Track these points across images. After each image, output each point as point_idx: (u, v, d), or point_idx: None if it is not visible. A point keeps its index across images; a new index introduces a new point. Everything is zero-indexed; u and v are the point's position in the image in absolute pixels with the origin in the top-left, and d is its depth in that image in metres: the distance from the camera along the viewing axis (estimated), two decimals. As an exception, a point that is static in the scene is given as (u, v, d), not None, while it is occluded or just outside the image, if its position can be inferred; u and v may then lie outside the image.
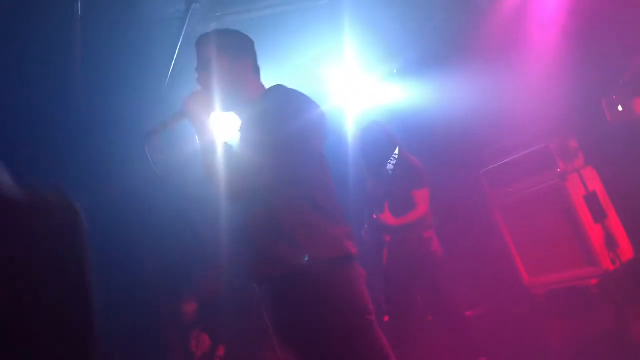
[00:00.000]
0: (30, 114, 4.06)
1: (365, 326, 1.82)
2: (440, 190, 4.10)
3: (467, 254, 4.82)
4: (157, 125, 1.93)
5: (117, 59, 4.03)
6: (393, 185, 3.77)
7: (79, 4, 3.38)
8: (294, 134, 1.84)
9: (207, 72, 1.96)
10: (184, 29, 3.84)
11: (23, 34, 3.48)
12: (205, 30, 3.95)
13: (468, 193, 5.01)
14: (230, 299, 4.76)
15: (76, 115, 4.39)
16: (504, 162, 4.78)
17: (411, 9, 4.32)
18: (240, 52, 2.00)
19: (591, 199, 4.37)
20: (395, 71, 5.24)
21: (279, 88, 2.00)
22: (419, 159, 3.89)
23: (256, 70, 2.06)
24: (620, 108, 4.26)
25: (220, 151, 1.83)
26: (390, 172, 3.82)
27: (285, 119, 1.85)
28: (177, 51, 4.05)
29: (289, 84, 2.02)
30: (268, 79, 2.10)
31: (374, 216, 3.74)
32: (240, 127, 2.02)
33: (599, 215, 4.33)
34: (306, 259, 1.78)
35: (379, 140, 3.85)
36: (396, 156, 3.82)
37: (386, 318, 3.78)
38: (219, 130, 1.96)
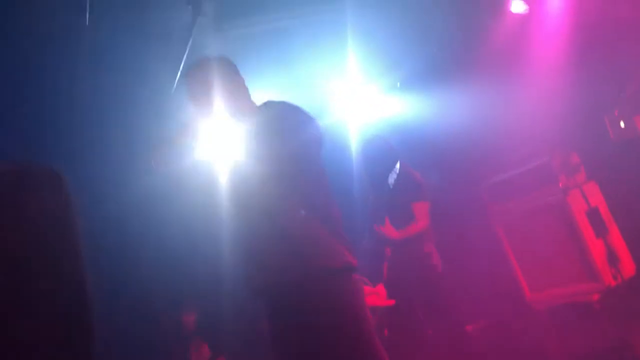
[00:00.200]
0: (35, 127, 4.09)
1: (365, 338, 1.83)
2: (442, 204, 4.11)
3: (468, 268, 4.81)
4: (162, 139, 1.99)
5: (124, 71, 4.07)
6: (394, 199, 3.79)
7: (87, 15, 3.43)
8: (291, 146, 1.89)
9: (205, 97, 2.03)
10: (190, 41, 3.89)
11: (32, 46, 3.53)
12: (210, 43, 4.03)
13: (469, 207, 5.01)
14: (231, 309, 4.75)
15: (81, 125, 4.43)
16: (505, 176, 4.78)
17: (414, 23, 4.37)
18: (231, 74, 2.11)
19: (593, 214, 4.36)
20: (398, 84, 5.27)
21: (273, 103, 2.05)
22: (420, 172, 3.91)
23: (247, 90, 2.15)
24: (622, 124, 4.27)
25: (224, 164, 1.88)
26: (391, 186, 3.84)
27: (281, 133, 1.90)
28: (182, 63, 4.09)
29: (292, 97, 2.06)
30: (271, 91, 2.14)
31: (376, 228, 3.75)
32: (239, 142, 2.06)
33: (601, 230, 4.32)
34: (306, 269, 1.80)
35: (381, 153, 3.88)
36: (397, 170, 3.84)
37: (386, 331, 3.78)
38: (221, 142, 2.00)
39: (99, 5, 3.44)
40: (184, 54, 4.01)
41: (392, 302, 3.53)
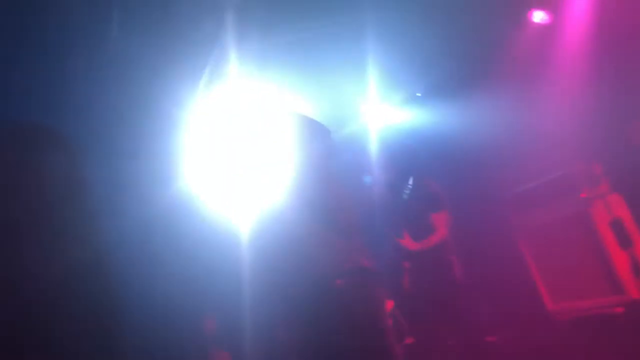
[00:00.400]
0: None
1: (383, 345, 1.83)
2: (463, 214, 4.09)
3: (489, 278, 4.76)
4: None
5: (149, 81, 4.15)
6: (411, 210, 3.78)
7: (115, 25, 3.51)
8: (305, 156, 1.92)
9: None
10: (213, 53, 3.95)
11: (58, 53, 3.62)
12: (233, 54, 4.08)
13: (491, 217, 4.97)
14: (251, 316, 4.77)
15: (103, 132, 4.50)
16: (527, 186, 4.74)
17: (436, 33, 4.37)
18: None
19: (617, 225, 4.29)
20: (419, 94, 5.28)
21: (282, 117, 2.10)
22: (441, 182, 3.90)
23: None
24: (646, 134, 4.22)
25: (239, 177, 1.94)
26: (408, 197, 3.83)
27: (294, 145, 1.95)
28: (205, 75, 4.15)
29: (313, 106, 2.10)
30: (291, 102, 2.17)
31: (395, 240, 3.75)
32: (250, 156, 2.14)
33: (625, 242, 4.25)
34: (318, 274, 1.82)
35: (403, 161, 3.88)
36: (410, 184, 3.83)
37: (409, 340, 3.76)
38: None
39: (126, 15, 3.52)
40: (207, 66, 4.07)
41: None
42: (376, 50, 4.35)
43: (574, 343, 4.33)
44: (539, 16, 4.45)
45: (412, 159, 3.90)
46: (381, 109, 5.19)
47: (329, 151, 2.10)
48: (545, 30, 4.51)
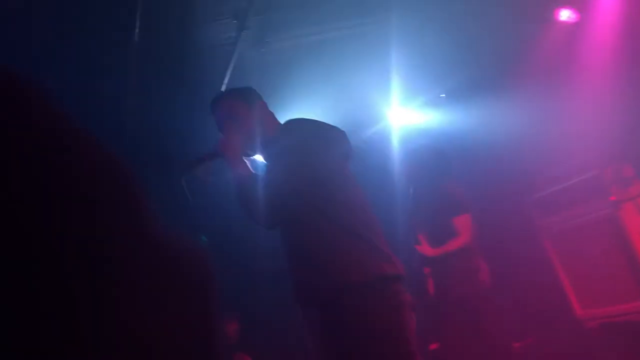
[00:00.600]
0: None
1: (401, 351, 1.78)
2: (488, 217, 4.02)
3: (515, 283, 4.68)
4: (194, 159, 2.08)
5: (170, 84, 4.17)
6: (432, 214, 3.72)
7: (137, 29, 3.54)
8: (316, 162, 1.93)
9: (231, 121, 2.13)
10: (235, 54, 3.96)
11: (81, 57, 3.66)
12: (254, 56, 4.09)
13: (516, 221, 4.89)
14: (273, 321, 4.76)
15: (126, 133, 4.55)
16: (554, 189, 4.65)
17: (460, 32, 4.31)
18: (253, 98, 2.21)
19: (648, 229, 4.18)
20: (443, 95, 5.22)
21: (294, 123, 2.11)
22: (465, 184, 3.83)
23: (269, 111, 2.23)
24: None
25: (253, 183, 1.93)
26: (430, 200, 3.77)
27: (305, 149, 1.95)
28: (227, 76, 4.16)
29: (335, 107, 2.08)
30: (314, 103, 2.16)
31: (414, 246, 3.71)
32: (266, 163, 2.15)
33: (656, 246, 4.14)
34: (340, 283, 1.80)
35: (426, 165, 3.82)
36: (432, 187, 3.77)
37: (433, 346, 3.71)
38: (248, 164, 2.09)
39: (147, 22, 3.54)
40: (228, 67, 4.08)
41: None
42: (400, 50, 4.30)
43: (602, 350, 4.22)
44: (565, 14, 4.36)
45: (435, 161, 3.84)
46: (404, 110, 5.15)
47: (347, 155, 2.09)
48: (572, 29, 4.41)
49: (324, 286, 1.84)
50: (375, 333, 1.77)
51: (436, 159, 3.84)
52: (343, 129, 2.13)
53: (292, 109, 3.97)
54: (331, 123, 2.12)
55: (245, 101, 2.18)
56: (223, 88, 4.28)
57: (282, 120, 2.19)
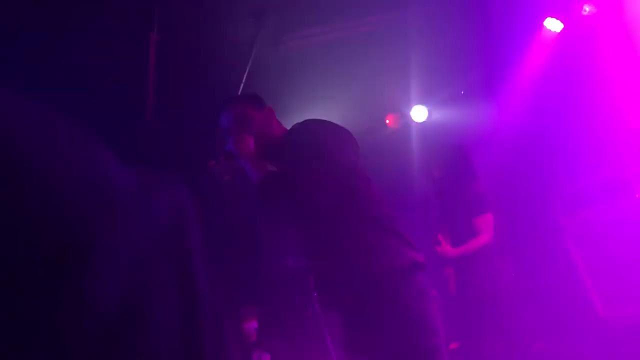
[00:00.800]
0: (100, 133, 4.26)
1: (433, 348, 1.77)
2: (509, 214, 3.97)
3: (536, 281, 4.62)
4: (212, 160, 2.10)
5: (189, 81, 4.20)
6: (453, 214, 3.69)
7: (156, 28, 3.56)
8: (338, 157, 1.95)
9: (241, 124, 2.17)
10: (253, 53, 3.96)
11: (100, 54, 3.69)
12: (272, 55, 4.10)
13: (538, 218, 4.82)
14: (291, 319, 4.76)
15: (146, 131, 4.58)
16: (577, 187, 4.57)
17: (477, 29, 4.27)
18: (259, 103, 2.25)
19: (675, 226, 4.09)
20: (462, 92, 5.17)
21: (306, 122, 2.11)
22: (487, 182, 3.79)
23: (275, 116, 2.26)
24: None
25: (274, 181, 1.93)
26: (451, 199, 3.73)
27: (325, 144, 1.97)
28: (245, 74, 4.17)
29: (356, 105, 2.07)
30: (332, 101, 2.15)
31: (434, 246, 3.67)
32: (279, 163, 2.14)
33: (683, 244, 4.04)
34: (369, 272, 1.79)
35: (446, 162, 3.79)
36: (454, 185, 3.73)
37: (453, 345, 3.67)
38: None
39: (165, 22, 3.57)
40: (247, 65, 4.09)
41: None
42: (419, 48, 4.28)
43: (625, 351, 4.15)
44: (587, 9, 4.29)
45: (460, 160, 3.79)
46: (424, 107, 5.11)
47: (357, 152, 2.09)
48: (595, 25, 4.33)
49: (357, 274, 1.82)
50: (405, 323, 1.77)
51: (461, 157, 3.80)
52: (362, 127, 2.13)
53: (310, 108, 3.97)
54: (350, 121, 2.12)
55: (254, 106, 2.22)
56: (241, 87, 4.30)
57: (298, 119, 2.20)
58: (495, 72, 4.79)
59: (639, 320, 4.17)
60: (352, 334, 1.92)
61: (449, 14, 4.08)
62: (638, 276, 4.14)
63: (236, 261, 5.10)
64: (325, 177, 1.89)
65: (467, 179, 3.76)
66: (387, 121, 5.08)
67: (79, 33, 3.45)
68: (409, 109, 5.10)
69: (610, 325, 4.39)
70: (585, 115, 4.34)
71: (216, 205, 4.34)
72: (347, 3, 3.83)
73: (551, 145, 4.52)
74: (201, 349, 0.68)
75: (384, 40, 4.17)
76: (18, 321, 0.48)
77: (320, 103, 3.99)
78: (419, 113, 5.13)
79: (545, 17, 4.46)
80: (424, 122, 5.19)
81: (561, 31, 4.46)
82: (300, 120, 2.11)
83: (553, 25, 4.44)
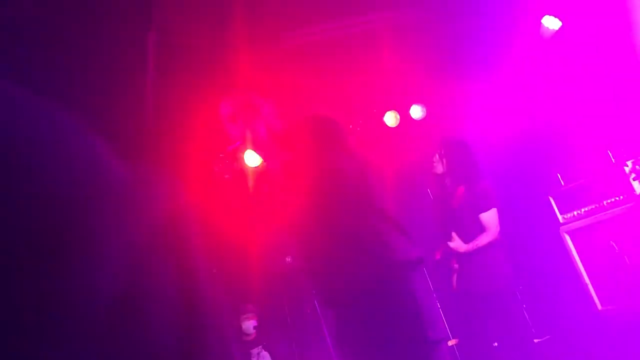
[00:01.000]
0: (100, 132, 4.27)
1: (430, 341, 1.78)
2: (507, 211, 3.98)
3: (536, 278, 4.63)
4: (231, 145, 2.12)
5: (184, 81, 4.19)
6: (462, 210, 3.70)
7: (151, 27, 3.56)
8: (342, 152, 1.99)
9: (246, 118, 2.25)
10: (248, 50, 3.96)
11: (96, 55, 3.69)
12: (269, 52, 4.09)
13: (537, 215, 4.83)
14: (290, 317, 4.77)
15: (147, 133, 4.58)
16: (577, 183, 4.58)
17: (479, 27, 4.27)
18: (261, 100, 2.29)
19: (672, 223, 4.10)
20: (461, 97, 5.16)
21: (306, 119, 2.12)
22: (490, 179, 3.80)
23: (277, 112, 2.29)
24: None
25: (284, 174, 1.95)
26: (459, 197, 3.74)
27: (328, 140, 2.02)
28: (241, 73, 4.17)
29: (350, 103, 2.08)
30: (329, 99, 2.16)
31: (445, 242, 3.68)
32: (284, 158, 2.17)
33: (680, 240, 4.05)
34: (377, 269, 1.81)
35: (452, 160, 3.79)
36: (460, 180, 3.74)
37: (452, 342, 3.69)
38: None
39: (161, 19, 3.56)
40: (242, 64, 4.09)
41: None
42: (413, 47, 4.28)
43: (624, 345, 4.17)
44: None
45: (460, 155, 3.80)
46: (420, 106, 5.11)
47: (344, 150, 2.09)
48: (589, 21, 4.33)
49: (357, 268, 1.84)
50: (400, 315, 1.78)
51: (465, 153, 3.80)
52: (359, 124, 2.15)
53: (308, 104, 3.97)
54: (346, 118, 2.13)
55: (256, 102, 2.25)
56: (238, 85, 4.30)
57: (298, 119, 2.20)
58: (494, 71, 4.80)
59: (638, 314, 4.19)
60: (346, 328, 1.92)
61: (446, 14, 4.09)
62: (636, 272, 4.15)
63: (237, 258, 5.10)
64: (347, 173, 1.91)
65: (472, 174, 3.76)
66: (385, 119, 5.08)
67: (74, 31, 3.44)
68: (408, 108, 5.09)
69: (608, 319, 4.40)
70: (582, 113, 4.35)
71: (217, 202, 4.36)
72: (347, 3, 3.83)
73: (549, 143, 4.52)
74: (201, 344, 0.69)
75: (379, 40, 4.17)
76: (17, 308, 0.47)
77: (317, 100, 3.99)
78: (415, 111, 5.12)
79: (543, 15, 4.47)
80: (422, 120, 5.18)
81: (559, 29, 4.46)
82: (299, 119, 2.12)
83: (551, 23, 4.44)
